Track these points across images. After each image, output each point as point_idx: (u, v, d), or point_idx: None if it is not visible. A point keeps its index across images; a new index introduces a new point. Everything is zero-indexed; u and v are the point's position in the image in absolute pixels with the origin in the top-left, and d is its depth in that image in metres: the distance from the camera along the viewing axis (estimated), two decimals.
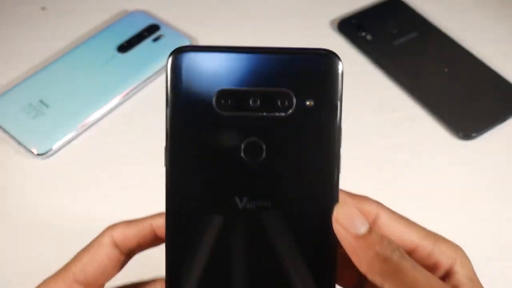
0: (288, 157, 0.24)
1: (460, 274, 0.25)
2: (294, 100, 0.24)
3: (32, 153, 0.48)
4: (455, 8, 0.61)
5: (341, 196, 0.24)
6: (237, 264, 0.24)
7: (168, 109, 0.24)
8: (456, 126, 0.50)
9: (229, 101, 0.24)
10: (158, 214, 0.25)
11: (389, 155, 0.49)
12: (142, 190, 0.46)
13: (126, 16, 0.59)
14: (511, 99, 0.52)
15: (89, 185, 0.47)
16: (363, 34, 0.58)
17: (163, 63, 0.54)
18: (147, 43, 0.56)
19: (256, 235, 0.24)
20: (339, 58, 0.24)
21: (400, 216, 0.26)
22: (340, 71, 0.24)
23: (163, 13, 0.60)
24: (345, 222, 0.23)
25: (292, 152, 0.24)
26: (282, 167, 0.24)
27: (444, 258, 0.25)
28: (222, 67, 0.24)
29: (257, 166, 0.24)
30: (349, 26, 0.59)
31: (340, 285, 0.26)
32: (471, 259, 0.43)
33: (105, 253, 0.25)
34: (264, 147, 0.24)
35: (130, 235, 0.25)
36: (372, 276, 0.22)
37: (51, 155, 0.48)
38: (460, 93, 0.52)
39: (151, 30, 0.57)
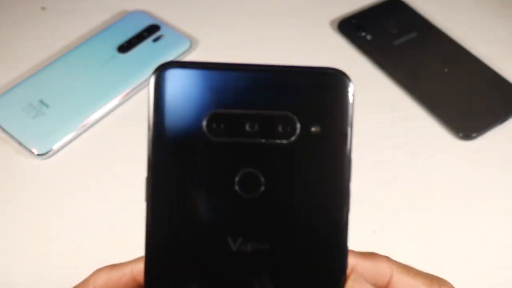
0: (290, 192, 0.21)
1: None
2: (298, 126, 0.21)
3: (32, 153, 0.48)
4: (455, 8, 0.61)
5: (351, 261, 0.22)
6: None
7: (150, 134, 0.21)
8: (456, 126, 0.50)
9: (222, 125, 0.20)
10: (138, 259, 0.24)
11: (389, 155, 0.49)
12: (142, 190, 0.46)
13: (126, 16, 0.59)
14: (511, 99, 0.52)
15: (89, 185, 0.47)
16: (363, 34, 0.58)
17: None
18: (147, 43, 0.56)
19: (251, 282, 0.21)
20: (349, 78, 0.21)
21: (407, 268, 0.26)
22: (350, 93, 0.21)
23: (163, 13, 0.60)
24: None
25: (294, 186, 0.21)
26: (282, 204, 0.21)
27: None
28: (214, 87, 0.20)
29: (253, 202, 0.21)
30: (349, 26, 0.59)
31: None
32: (471, 260, 0.44)
33: None
34: (262, 179, 0.21)
35: (111, 283, 0.24)
36: None
37: (51, 155, 0.48)
38: (460, 93, 0.52)
39: (151, 30, 0.57)
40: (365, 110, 0.52)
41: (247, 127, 0.21)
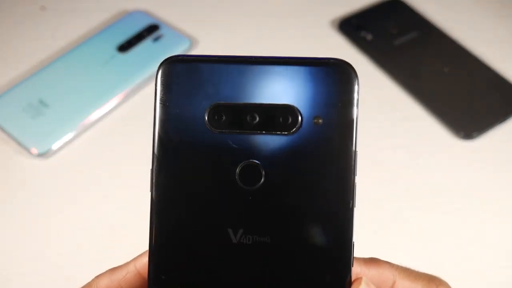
0: (291, 184, 0.21)
1: None
2: (300, 117, 0.20)
3: (32, 153, 0.48)
4: (455, 8, 0.61)
5: (355, 269, 0.21)
6: None
7: (156, 127, 0.21)
8: (456, 126, 0.50)
9: (224, 117, 0.21)
10: (141, 255, 0.24)
11: (389, 155, 0.49)
12: (142, 190, 0.46)
13: (126, 16, 0.59)
14: (511, 99, 0.52)
15: (89, 185, 0.47)
16: (363, 34, 0.58)
17: None
18: (147, 43, 0.56)
19: (251, 273, 0.21)
20: (353, 68, 0.21)
21: (407, 271, 0.26)
22: (354, 83, 0.20)
23: (163, 13, 0.60)
24: None
25: (296, 179, 0.21)
26: (283, 196, 0.21)
27: None
28: (217, 79, 0.21)
29: (254, 194, 0.21)
30: (349, 26, 0.59)
31: None
32: (471, 260, 0.44)
33: None
34: (263, 171, 0.21)
35: (113, 286, 0.24)
36: None
37: (51, 155, 0.48)
38: (460, 93, 0.52)
39: (151, 30, 0.57)
40: (365, 110, 0.52)
41: (248, 119, 0.21)
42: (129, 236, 0.43)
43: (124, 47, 0.55)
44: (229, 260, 0.21)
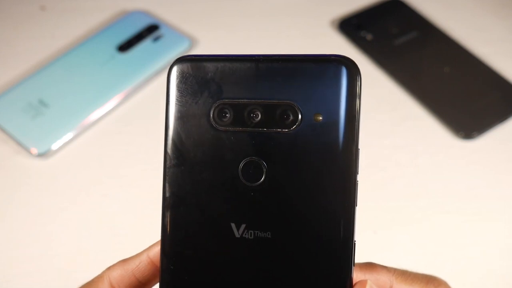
0: (293, 181, 0.21)
1: None
2: (301, 114, 0.21)
3: (32, 153, 0.47)
4: (455, 8, 0.61)
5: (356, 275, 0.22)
6: None
7: (169, 125, 0.22)
8: (456, 126, 0.50)
9: (228, 114, 0.21)
10: (154, 244, 0.25)
11: (389, 155, 0.49)
12: (142, 190, 0.46)
13: (126, 16, 0.59)
14: (511, 99, 0.52)
15: (89, 185, 0.46)
16: (363, 34, 0.58)
17: (163, 63, 0.54)
18: (147, 43, 0.56)
19: (252, 268, 0.21)
20: (354, 64, 0.20)
21: (404, 273, 0.26)
22: (356, 80, 0.20)
23: (163, 13, 0.60)
24: None
25: (297, 175, 0.21)
26: (285, 192, 0.21)
27: None
28: (222, 78, 0.21)
29: (257, 190, 0.21)
30: (349, 26, 0.59)
31: None
32: (471, 260, 0.44)
33: None
34: (265, 168, 0.21)
35: (127, 275, 0.24)
36: None
37: (51, 155, 0.48)
38: (460, 93, 0.52)
39: (151, 30, 0.57)
40: (365, 110, 0.52)
41: (253, 117, 0.21)
42: (129, 235, 0.43)
43: (124, 47, 0.55)
44: (232, 254, 0.21)
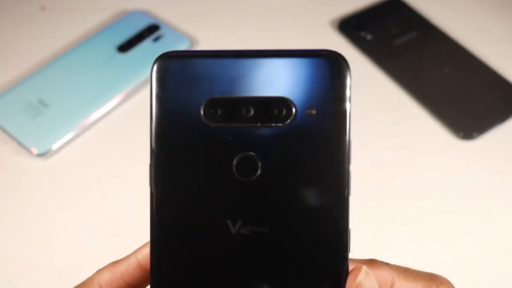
0: (287, 175, 0.21)
1: None
2: (293, 109, 0.21)
3: (32, 153, 0.47)
4: (455, 8, 0.61)
5: (352, 265, 0.22)
6: None
7: (152, 122, 0.21)
8: (456, 126, 0.50)
9: (219, 110, 0.21)
10: (142, 247, 0.24)
11: (389, 155, 0.49)
12: (142, 189, 0.46)
13: (126, 16, 0.59)
14: (511, 99, 0.52)
15: (89, 185, 0.46)
16: (363, 34, 0.58)
17: None
18: (147, 43, 0.56)
19: (250, 264, 0.21)
20: (344, 60, 0.21)
21: (406, 271, 0.26)
22: (346, 74, 0.21)
23: (163, 13, 0.60)
24: None
25: (292, 169, 0.21)
26: (280, 187, 0.21)
27: None
28: (211, 74, 0.21)
29: (252, 186, 0.21)
30: (349, 26, 0.59)
31: None
32: (471, 260, 0.44)
33: None
34: (259, 163, 0.21)
35: (116, 278, 0.24)
36: None
37: (51, 155, 0.48)
38: (460, 93, 0.52)
39: (151, 30, 0.57)
40: (365, 110, 0.52)
41: (244, 112, 0.21)
42: (129, 235, 0.43)
43: (124, 47, 0.55)
44: (229, 251, 0.21)
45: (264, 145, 0.21)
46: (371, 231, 0.43)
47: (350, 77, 0.21)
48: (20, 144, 0.48)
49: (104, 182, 0.47)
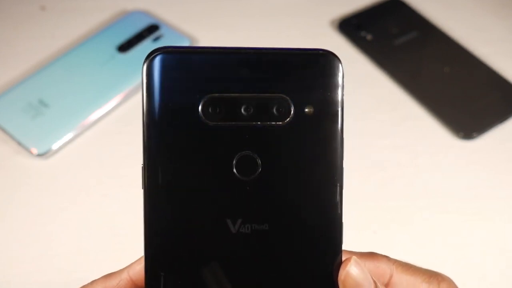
0: (286, 172, 0.21)
1: None
2: (291, 107, 0.21)
3: (32, 153, 0.47)
4: (455, 8, 0.61)
5: (344, 255, 0.22)
6: None
7: (145, 122, 0.21)
8: (456, 126, 0.50)
9: (218, 109, 0.20)
10: (135, 262, 0.24)
11: (389, 155, 0.49)
12: (141, 190, 0.46)
13: (126, 16, 0.59)
14: (511, 99, 0.52)
15: (89, 185, 0.46)
16: (363, 34, 0.58)
17: None
18: (147, 43, 0.56)
19: (251, 262, 0.21)
20: (339, 59, 0.21)
21: (406, 265, 0.26)
22: (341, 73, 0.21)
23: (163, 13, 0.60)
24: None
25: (290, 167, 0.21)
26: (279, 184, 0.21)
27: None
28: (208, 71, 0.20)
29: (251, 184, 0.21)
30: (349, 26, 0.59)
31: None
32: (471, 260, 0.44)
33: None
34: (259, 161, 0.21)
35: None
36: None
37: (51, 155, 0.48)
38: (460, 93, 0.52)
39: (151, 30, 0.57)
40: (365, 110, 0.52)
41: (243, 111, 0.21)
42: (129, 236, 0.43)
43: (124, 47, 0.55)
44: (230, 250, 0.21)
45: (264, 143, 0.21)
46: (371, 231, 0.43)
47: (343, 75, 0.21)
48: (20, 144, 0.48)
49: (104, 182, 0.47)
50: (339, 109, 0.21)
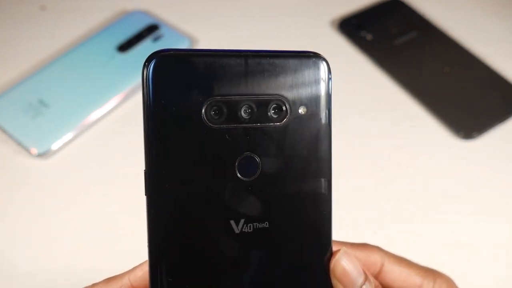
0: (285, 171, 0.22)
1: None
2: (288, 107, 0.22)
3: (32, 153, 0.47)
4: (455, 8, 0.61)
5: (336, 246, 0.23)
6: None
7: (147, 127, 0.20)
8: (456, 126, 0.50)
9: (221, 112, 0.21)
10: (136, 267, 0.24)
11: (389, 155, 0.49)
12: (142, 190, 0.46)
13: (126, 15, 0.59)
14: (511, 99, 0.52)
15: (89, 185, 0.46)
16: (363, 34, 0.58)
17: None
18: (146, 43, 0.56)
19: (254, 260, 0.22)
20: (325, 59, 0.22)
21: (400, 258, 0.27)
22: (327, 73, 0.22)
23: (163, 13, 0.60)
24: (343, 278, 0.23)
25: (288, 166, 0.22)
26: (279, 183, 0.22)
27: None
28: (209, 74, 0.21)
29: (253, 185, 0.21)
30: (349, 26, 0.59)
31: None
32: (471, 259, 0.44)
33: None
34: (260, 162, 0.21)
35: None
36: None
37: (51, 155, 0.48)
38: (460, 93, 0.52)
39: (150, 30, 0.57)
40: (365, 110, 0.52)
41: (244, 113, 0.21)
42: (129, 236, 0.43)
43: (124, 47, 0.55)
44: (235, 251, 0.21)
45: (263, 144, 0.21)
46: (371, 231, 0.43)
47: (330, 74, 0.22)
48: (20, 144, 0.48)
49: (104, 182, 0.47)
50: (328, 107, 0.22)
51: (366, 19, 0.59)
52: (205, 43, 0.57)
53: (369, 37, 0.57)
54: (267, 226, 0.22)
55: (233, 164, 0.21)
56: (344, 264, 0.22)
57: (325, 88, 0.22)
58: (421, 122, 0.51)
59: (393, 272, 0.26)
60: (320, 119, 0.22)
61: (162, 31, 0.57)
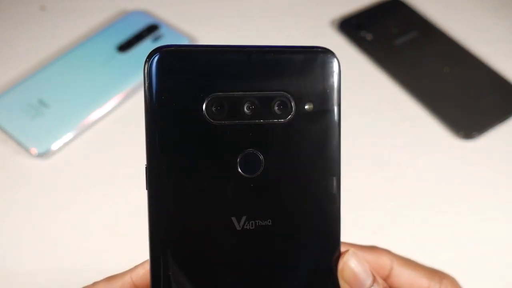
0: (288, 169, 0.21)
1: None
2: (293, 104, 0.21)
3: (32, 153, 0.47)
4: (455, 8, 0.61)
5: (345, 247, 0.23)
6: None
7: (148, 122, 0.20)
8: (456, 126, 0.50)
9: (222, 108, 0.20)
10: (137, 266, 0.24)
11: (389, 155, 0.49)
12: (142, 190, 0.46)
13: (126, 15, 0.59)
14: (511, 99, 0.52)
15: (89, 185, 0.46)
16: (363, 34, 0.58)
17: None
18: (146, 42, 0.56)
19: (256, 257, 0.21)
20: (335, 55, 0.21)
21: (407, 260, 0.26)
22: (338, 69, 0.21)
23: (163, 13, 0.60)
24: (351, 280, 0.22)
25: (292, 163, 0.21)
26: (282, 181, 0.21)
27: None
28: (211, 70, 0.20)
29: (255, 181, 0.21)
30: (349, 26, 0.59)
31: None
32: (471, 259, 0.44)
33: None
34: (262, 159, 0.21)
35: None
36: None
37: (51, 155, 0.48)
38: (460, 93, 0.52)
39: (150, 30, 0.57)
40: (365, 110, 0.52)
41: (246, 109, 0.21)
42: (129, 236, 0.43)
43: (124, 47, 0.55)
44: (236, 248, 0.21)
45: (267, 140, 0.21)
46: (371, 231, 0.43)
47: (340, 71, 0.22)
48: (20, 144, 0.48)
49: (104, 182, 0.47)
50: (337, 104, 0.21)
51: (366, 19, 0.59)
52: (205, 43, 0.57)
53: (369, 37, 0.57)
54: (270, 223, 0.21)
55: (234, 160, 0.21)
56: (353, 265, 0.22)
57: (336, 84, 0.21)
58: (421, 122, 0.51)
59: (402, 275, 0.26)
60: (329, 116, 0.21)
61: (162, 31, 0.57)
